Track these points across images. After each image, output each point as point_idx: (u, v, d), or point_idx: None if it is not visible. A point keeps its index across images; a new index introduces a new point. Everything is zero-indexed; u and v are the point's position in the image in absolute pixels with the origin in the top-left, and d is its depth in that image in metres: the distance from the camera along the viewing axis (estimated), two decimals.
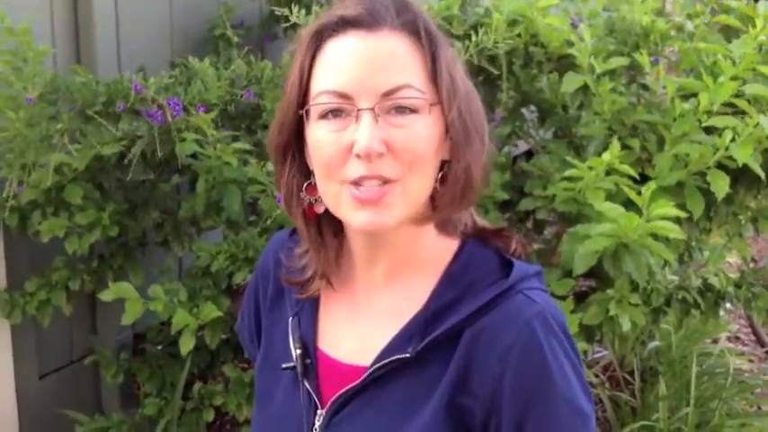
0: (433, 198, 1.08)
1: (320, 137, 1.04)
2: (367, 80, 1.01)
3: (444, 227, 1.13)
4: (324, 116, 1.04)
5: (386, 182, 1.02)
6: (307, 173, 1.11)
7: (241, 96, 2.30)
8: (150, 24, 2.82)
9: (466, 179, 1.07)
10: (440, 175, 1.07)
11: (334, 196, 1.05)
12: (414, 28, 1.05)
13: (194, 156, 2.19)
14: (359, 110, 1.01)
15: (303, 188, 1.11)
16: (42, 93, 2.18)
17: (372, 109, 1.01)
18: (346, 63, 1.03)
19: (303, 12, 2.22)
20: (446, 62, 1.06)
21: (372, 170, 1.01)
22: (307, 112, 1.05)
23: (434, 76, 1.04)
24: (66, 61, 2.54)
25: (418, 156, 1.03)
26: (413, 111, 1.02)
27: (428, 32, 1.05)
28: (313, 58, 1.06)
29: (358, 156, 1.00)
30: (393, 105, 1.02)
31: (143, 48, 2.76)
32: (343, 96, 1.02)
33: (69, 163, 2.16)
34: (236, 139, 2.26)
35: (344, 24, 1.04)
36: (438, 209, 1.09)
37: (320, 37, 1.05)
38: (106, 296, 2.15)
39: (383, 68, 1.02)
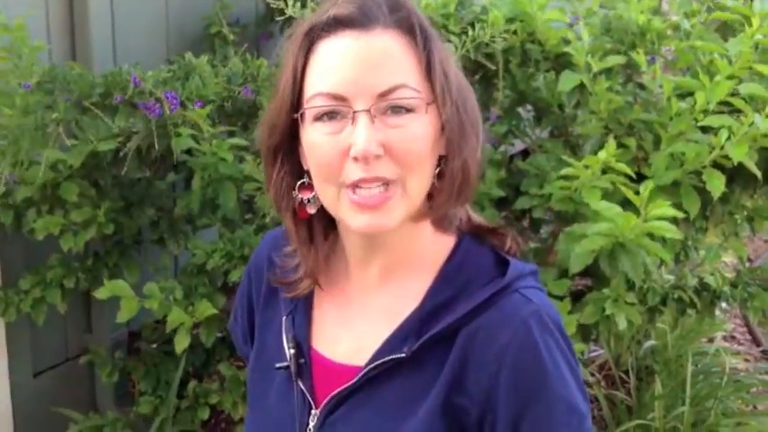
0: (430, 194, 1.07)
1: (316, 140, 1.03)
2: (362, 81, 1.00)
3: (440, 223, 1.12)
4: (319, 118, 1.02)
5: (386, 183, 1.01)
6: (299, 173, 1.10)
7: (238, 93, 2.30)
8: (146, 21, 2.82)
9: (463, 175, 1.06)
10: (437, 171, 1.06)
11: (332, 199, 1.05)
12: (407, 25, 1.04)
13: (189, 152, 2.18)
14: (355, 112, 1.00)
15: (296, 188, 1.10)
16: (40, 81, 2.17)
17: (368, 110, 1.00)
18: (340, 64, 1.01)
19: (299, 4, 2.20)
20: (440, 59, 1.05)
21: (371, 172, 1.00)
22: (301, 115, 1.04)
23: (429, 73, 1.03)
24: (61, 58, 2.53)
25: (416, 155, 1.02)
26: (409, 110, 1.01)
27: (422, 29, 1.04)
28: (306, 59, 1.04)
29: (355, 159, 1.00)
30: (389, 106, 1.01)
31: (139, 45, 2.76)
32: (339, 98, 1.01)
33: (65, 160, 2.15)
34: (231, 135, 2.25)
35: (337, 24, 1.02)
36: (435, 205, 1.08)
37: (312, 37, 1.04)
38: (101, 294, 2.14)
39: (378, 68, 1.01)
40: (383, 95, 1.00)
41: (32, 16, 2.30)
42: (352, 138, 1.00)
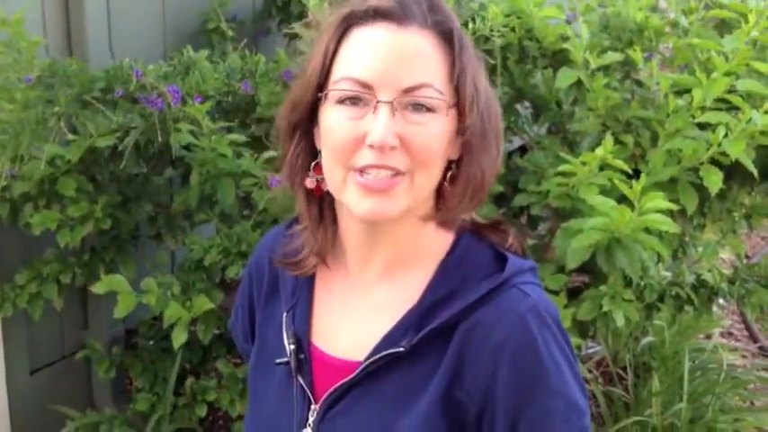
0: (442, 197, 1.09)
1: (335, 122, 1.04)
2: (390, 73, 1.02)
3: (443, 221, 1.13)
4: (341, 102, 1.04)
5: (396, 174, 1.02)
6: (313, 152, 1.11)
7: (238, 89, 2.29)
8: (142, 18, 2.81)
9: (478, 182, 1.08)
10: (449, 174, 1.08)
11: (338, 181, 1.06)
12: (443, 29, 1.06)
13: (187, 148, 2.18)
14: (378, 101, 1.02)
15: (311, 167, 1.11)
16: (40, 76, 2.16)
17: (391, 102, 1.01)
18: (372, 53, 1.03)
19: None
20: (471, 67, 1.07)
21: (382, 161, 1.01)
22: (325, 95, 1.06)
23: (458, 80, 1.05)
24: (57, 55, 2.52)
25: (429, 154, 1.04)
26: (429, 110, 1.03)
27: (459, 37, 1.06)
28: (338, 43, 1.06)
29: (371, 146, 1.01)
30: (411, 102, 1.02)
31: (135, 42, 2.75)
32: (365, 85, 1.02)
33: (63, 155, 2.15)
34: (230, 131, 2.25)
35: (375, 14, 1.04)
36: (446, 208, 1.09)
37: (349, 23, 1.06)
38: (98, 288, 2.13)
39: (408, 64, 1.02)
40: (408, 91, 1.02)
41: (28, 16, 2.29)
42: (371, 126, 1.01)
